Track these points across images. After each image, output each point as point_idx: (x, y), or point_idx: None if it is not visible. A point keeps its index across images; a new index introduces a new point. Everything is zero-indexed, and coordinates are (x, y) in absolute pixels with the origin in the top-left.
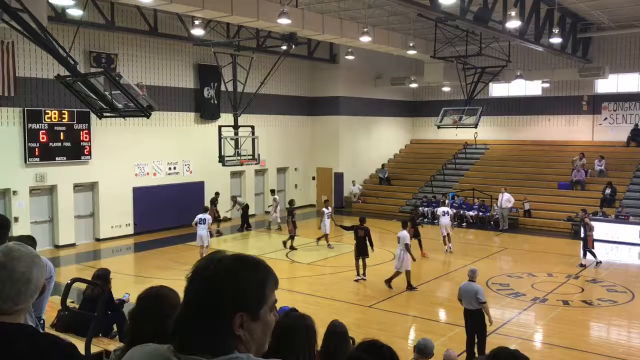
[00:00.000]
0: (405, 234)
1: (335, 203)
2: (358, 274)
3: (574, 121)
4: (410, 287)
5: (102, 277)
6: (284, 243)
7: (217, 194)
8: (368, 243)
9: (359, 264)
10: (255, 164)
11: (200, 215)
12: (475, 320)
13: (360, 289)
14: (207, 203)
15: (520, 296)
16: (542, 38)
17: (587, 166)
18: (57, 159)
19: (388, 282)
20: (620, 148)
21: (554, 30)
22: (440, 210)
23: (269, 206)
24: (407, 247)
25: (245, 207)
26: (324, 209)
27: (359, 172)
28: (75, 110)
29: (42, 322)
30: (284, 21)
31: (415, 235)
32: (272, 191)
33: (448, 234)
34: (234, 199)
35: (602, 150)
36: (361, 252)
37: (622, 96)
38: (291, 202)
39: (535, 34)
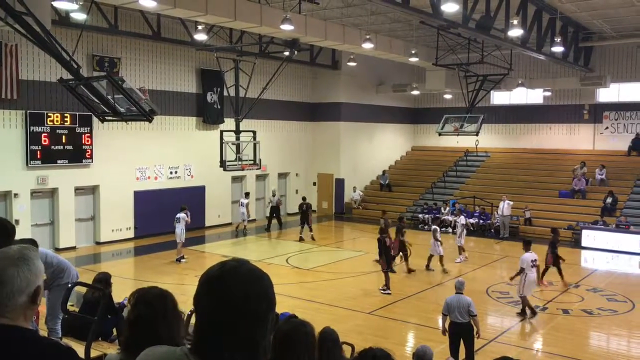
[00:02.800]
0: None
1: (336, 209)
2: (388, 287)
3: (575, 130)
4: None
5: (103, 281)
6: (406, 267)
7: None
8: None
9: (389, 276)
10: (257, 169)
11: (177, 215)
12: (465, 334)
13: (360, 295)
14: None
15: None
16: (544, 47)
17: (588, 175)
18: (58, 162)
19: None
20: (622, 157)
21: (555, 39)
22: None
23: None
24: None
25: (276, 206)
26: (435, 227)
27: (360, 178)
28: (77, 113)
29: (57, 329)
30: (286, 27)
31: (401, 249)
32: (247, 194)
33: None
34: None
35: (603, 159)
36: (389, 264)
37: (624, 105)
38: (401, 219)
39: (537, 42)
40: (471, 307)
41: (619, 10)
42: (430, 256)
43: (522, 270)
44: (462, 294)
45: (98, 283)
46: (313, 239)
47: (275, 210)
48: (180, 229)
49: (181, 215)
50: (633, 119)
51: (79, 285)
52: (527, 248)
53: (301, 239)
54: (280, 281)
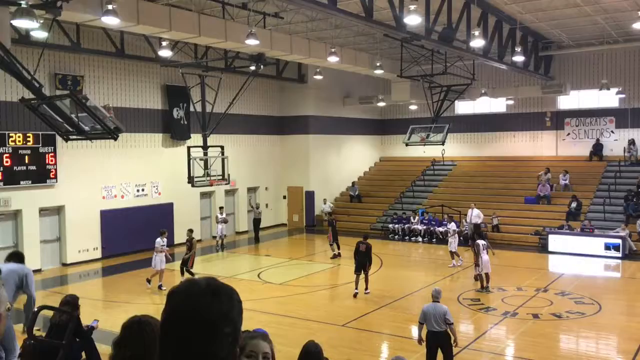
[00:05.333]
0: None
1: (307, 222)
2: (356, 287)
3: (538, 137)
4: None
5: (71, 303)
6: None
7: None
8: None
9: (358, 278)
10: (225, 184)
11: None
12: (443, 342)
13: (333, 308)
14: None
15: (491, 311)
16: (505, 56)
17: (552, 181)
18: (21, 183)
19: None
20: (584, 162)
21: (516, 49)
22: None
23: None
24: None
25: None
26: (479, 241)
27: (329, 190)
28: (40, 133)
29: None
30: (252, 42)
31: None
32: (221, 208)
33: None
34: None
35: (566, 165)
36: (362, 266)
37: (584, 112)
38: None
39: (499, 52)
40: (447, 315)
41: (575, 20)
42: (486, 274)
43: (479, 253)
44: (438, 302)
45: (65, 306)
46: (339, 255)
47: (257, 223)
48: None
49: (157, 240)
50: (593, 125)
51: (45, 308)
52: (479, 237)
53: (336, 256)
54: (252, 297)
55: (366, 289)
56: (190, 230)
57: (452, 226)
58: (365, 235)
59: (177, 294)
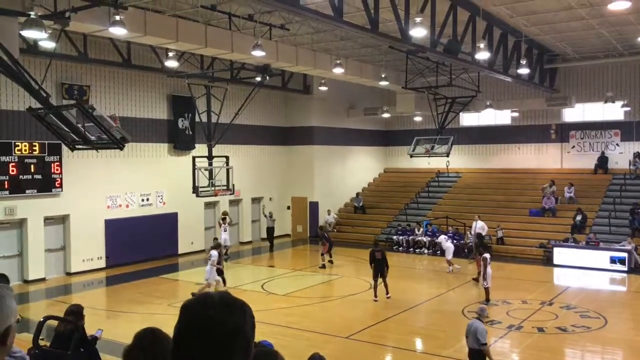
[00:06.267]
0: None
1: (311, 232)
2: (375, 295)
3: (543, 149)
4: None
5: (75, 313)
6: None
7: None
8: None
9: (377, 284)
10: (230, 194)
11: (211, 252)
12: None
13: (337, 320)
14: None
15: (496, 324)
16: (510, 69)
17: (557, 193)
18: (27, 191)
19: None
20: (589, 175)
21: (521, 62)
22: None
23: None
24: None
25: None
26: (486, 255)
27: (333, 201)
28: (46, 142)
29: None
30: (258, 53)
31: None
32: (224, 214)
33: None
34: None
35: (571, 178)
36: (380, 273)
37: (589, 125)
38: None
39: (504, 65)
40: (477, 334)
41: (580, 33)
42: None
43: (485, 267)
44: (479, 319)
45: (70, 315)
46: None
47: (270, 232)
48: (208, 267)
49: (212, 252)
50: (598, 137)
51: (50, 318)
52: (485, 250)
53: (323, 266)
54: (256, 308)
55: (387, 293)
56: (215, 239)
57: (442, 239)
58: (377, 242)
59: (191, 308)
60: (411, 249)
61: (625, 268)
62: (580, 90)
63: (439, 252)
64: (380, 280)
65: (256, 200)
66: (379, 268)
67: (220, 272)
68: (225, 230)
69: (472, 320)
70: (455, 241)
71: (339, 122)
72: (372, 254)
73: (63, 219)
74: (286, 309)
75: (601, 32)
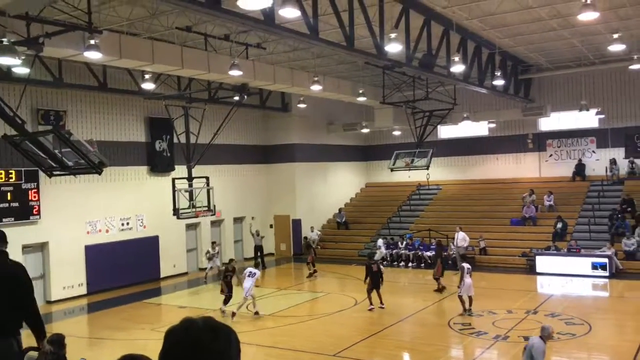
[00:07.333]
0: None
1: (294, 250)
2: (371, 304)
3: (521, 159)
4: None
5: (57, 343)
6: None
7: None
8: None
9: (372, 296)
10: (211, 215)
11: (250, 269)
12: None
13: (324, 338)
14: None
15: (482, 335)
16: (485, 81)
17: (537, 202)
18: (4, 220)
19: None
20: (567, 183)
21: (496, 73)
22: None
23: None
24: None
25: (260, 246)
26: (464, 264)
27: (316, 218)
28: (23, 169)
29: None
30: (235, 73)
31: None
32: (213, 243)
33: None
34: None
35: (550, 186)
36: (375, 285)
37: (565, 133)
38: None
39: (479, 77)
40: (533, 351)
41: (553, 44)
42: (470, 297)
43: (462, 276)
44: (542, 338)
45: (51, 345)
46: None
47: (259, 249)
48: (250, 283)
49: (256, 271)
50: (574, 145)
51: (32, 350)
52: (463, 260)
53: (311, 275)
54: (241, 329)
55: (381, 303)
56: (231, 260)
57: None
58: (370, 255)
59: (175, 333)
60: (395, 263)
61: (606, 273)
62: (555, 99)
63: (423, 265)
64: (374, 292)
65: (238, 220)
66: (375, 281)
67: (230, 289)
68: (217, 255)
69: (532, 337)
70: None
71: (319, 138)
72: (369, 267)
73: (42, 247)
74: (272, 329)
75: (572, 42)
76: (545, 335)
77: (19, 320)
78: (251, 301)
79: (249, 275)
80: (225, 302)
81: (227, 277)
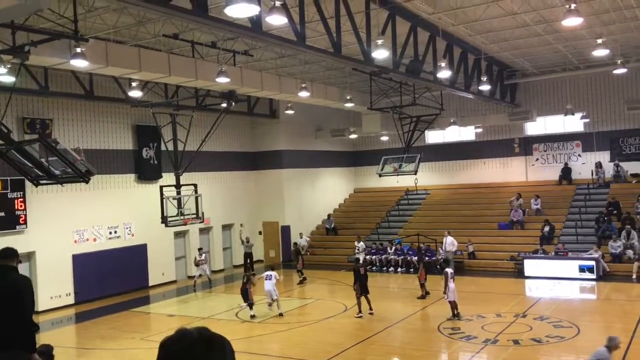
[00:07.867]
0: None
1: (284, 257)
2: (360, 311)
3: (508, 163)
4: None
5: (45, 354)
6: None
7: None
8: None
9: (361, 302)
10: (200, 222)
11: (268, 272)
12: None
13: (314, 344)
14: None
15: (472, 339)
16: (471, 86)
17: (524, 206)
18: None
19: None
20: (553, 186)
21: (482, 78)
22: None
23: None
24: None
25: (250, 253)
26: (447, 270)
27: (305, 224)
28: (8, 178)
29: None
30: (222, 80)
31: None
32: (200, 250)
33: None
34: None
35: (537, 190)
36: (364, 289)
37: (551, 137)
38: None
39: (465, 82)
40: None
41: (537, 49)
42: (454, 302)
43: (446, 281)
44: (605, 348)
45: (39, 356)
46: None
47: (248, 257)
48: (271, 285)
49: (273, 273)
50: (560, 149)
51: None
52: (446, 265)
53: (302, 281)
54: (231, 337)
55: (370, 309)
56: (249, 270)
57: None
58: (358, 259)
59: (170, 344)
60: (384, 268)
61: (594, 276)
62: (540, 104)
63: (412, 269)
64: (362, 297)
65: (227, 227)
66: (363, 285)
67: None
68: (205, 262)
69: (599, 348)
70: (427, 258)
71: (307, 144)
72: (357, 272)
73: (28, 256)
74: (262, 336)
75: (557, 47)
76: (612, 346)
77: (15, 335)
78: (275, 300)
79: (267, 279)
80: (250, 307)
81: (245, 287)
